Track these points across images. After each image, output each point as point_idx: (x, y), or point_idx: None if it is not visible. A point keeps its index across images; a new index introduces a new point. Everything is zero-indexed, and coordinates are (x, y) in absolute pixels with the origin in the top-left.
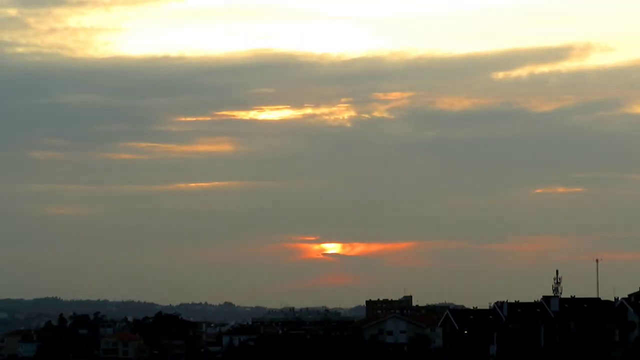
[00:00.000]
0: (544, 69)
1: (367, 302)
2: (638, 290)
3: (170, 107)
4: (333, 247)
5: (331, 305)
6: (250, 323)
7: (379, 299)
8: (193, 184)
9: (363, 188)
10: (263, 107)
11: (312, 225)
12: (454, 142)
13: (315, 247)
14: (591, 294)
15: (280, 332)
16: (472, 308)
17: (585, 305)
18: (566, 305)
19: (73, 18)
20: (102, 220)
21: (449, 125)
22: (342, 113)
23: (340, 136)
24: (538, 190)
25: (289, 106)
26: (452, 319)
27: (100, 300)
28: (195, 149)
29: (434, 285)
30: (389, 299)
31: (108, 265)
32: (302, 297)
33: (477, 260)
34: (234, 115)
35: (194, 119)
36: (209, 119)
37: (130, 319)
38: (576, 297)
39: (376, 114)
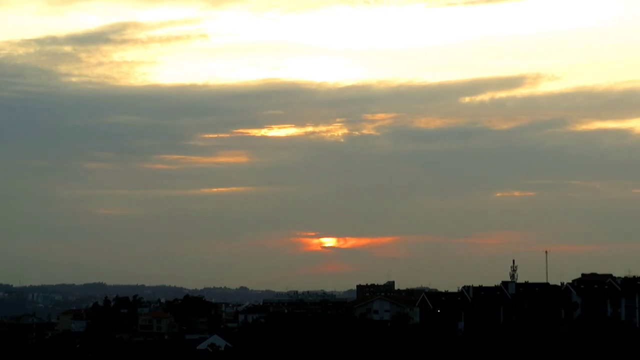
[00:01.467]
0: (502, 94)
1: (357, 286)
2: (580, 276)
3: (196, 126)
4: (330, 241)
5: (328, 289)
6: (261, 304)
7: (367, 284)
8: (215, 189)
9: (354, 192)
10: (272, 126)
11: (312, 222)
12: (429, 154)
13: (315, 241)
14: (541, 279)
15: (286, 311)
16: (443, 291)
17: (537, 289)
18: (521, 289)
19: (117, 54)
20: (141, 219)
21: (425, 140)
22: (337, 131)
23: (335, 149)
24: (498, 194)
25: (293, 125)
26: (427, 300)
27: (138, 284)
28: (216, 160)
29: (412, 272)
30: (376, 284)
31: (145, 256)
32: (304, 283)
33: (447, 252)
34: (248, 133)
35: (216, 135)
36: (228, 135)
37: (163, 300)
38: (529, 282)
39: (365, 131)
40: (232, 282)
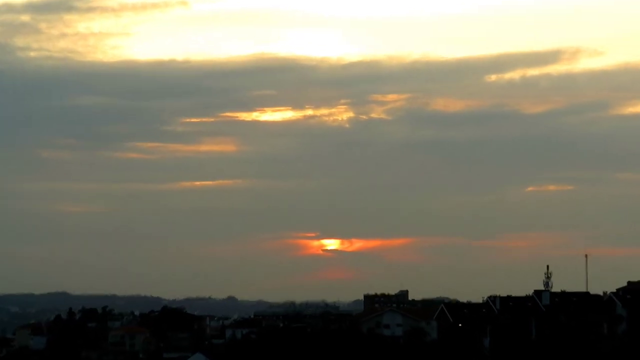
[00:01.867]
0: (535, 71)
1: (365, 296)
2: (626, 284)
3: (176, 109)
4: (332, 243)
5: (330, 299)
6: (252, 317)
7: (376, 294)
8: (198, 183)
9: (361, 186)
10: (265, 109)
11: (312, 221)
12: (449, 142)
13: (315, 243)
14: (580, 288)
15: (281, 325)
16: (466, 302)
17: (575, 299)
18: (556, 299)
19: (83, 24)
20: (111, 217)
21: (443, 126)
22: (341, 114)
23: (339, 136)
24: (530, 189)
25: (290, 108)
26: (446, 312)
27: (108, 294)
28: (200, 148)
29: (429, 280)
30: (386, 293)
31: (116, 261)
32: (302, 292)
33: (471, 256)
34: (237, 117)
35: (199, 119)
36: (213, 119)
37: (137, 312)
38: (566, 291)
39: (374, 115)
40: (218, 291)
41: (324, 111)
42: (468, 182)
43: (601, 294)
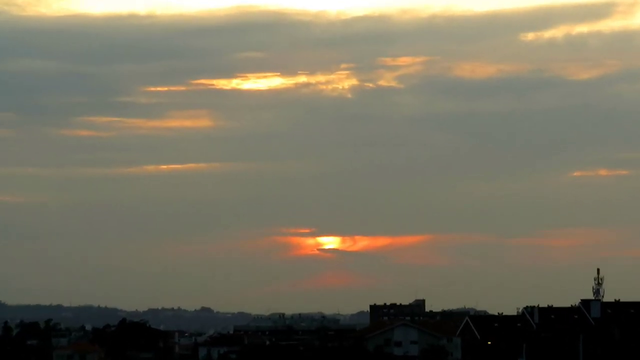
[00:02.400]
0: (582, 29)
1: (371, 307)
2: None
3: (137, 75)
4: (331, 241)
5: (328, 310)
6: (231, 332)
7: (385, 304)
8: (164, 166)
9: (367, 171)
10: (248, 75)
11: (306, 214)
12: (476, 117)
13: (310, 241)
14: (639, 297)
15: (267, 342)
16: (496, 314)
17: (632, 311)
18: (609, 311)
19: None
20: (55, 209)
21: (469, 97)
22: (342, 82)
23: (339, 109)
24: (576, 174)
25: (278, 74)
26: (472, 327)
27: (53, 304)
28: (167, 124)
29: (451, 287)
30: (398, 304)
31: (62, 264)
32: (293, 301)
33: (502, 258)
34: (213, 85)
35: (166, 88)
36: (183, 88)
37: (88, 327)
38: (620, 301)
39: (382, 82)
40: (189, 301)
41: (320, 78)
42: (499, 166)
43: None
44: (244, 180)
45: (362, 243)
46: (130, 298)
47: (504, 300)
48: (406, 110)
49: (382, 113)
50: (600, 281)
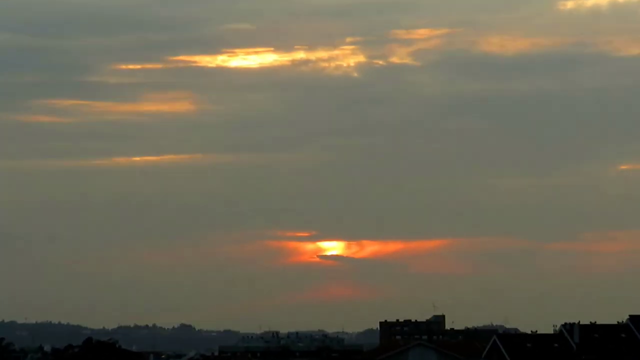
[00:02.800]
0: None
1: (381, 324)
2: None
3: (105, 50)
4: (334, 247)
5: (331, 328)
6: (216, 354)
7: (397, 320)
8: (137, 158)
9: (376, 164)
10: (236, 50)
11: (304, 215)
12: (505, 100)
13: (309, 246)
14: None
15: None
16: (529, 333)
17: None
18: None
19: None
20: (5, 208)
21: (498, 76)
22: (347, 58)
23: (344, 91)
24: (624, 167)
25: (272, 49)
26: (501, 347)
27: (5, 322)
28: (141, 108)
29: (475, 301)
30: (413, 320)
31: (14, 274)
32: (290, 318)
33: (537, 266)
34: (195, 62)
35: (140, 66)
36: (160, 66)
37: (47, 347)
38: None
39: (395, 59)
40: (166, 317)
41: (321, 54)
42: (533, 157)
43: None
44: (231, 174)
45: (370, 249)
46: (97, 313)
47: (538, 317)
48: (423, 92)
49: (394, 96)
50: None
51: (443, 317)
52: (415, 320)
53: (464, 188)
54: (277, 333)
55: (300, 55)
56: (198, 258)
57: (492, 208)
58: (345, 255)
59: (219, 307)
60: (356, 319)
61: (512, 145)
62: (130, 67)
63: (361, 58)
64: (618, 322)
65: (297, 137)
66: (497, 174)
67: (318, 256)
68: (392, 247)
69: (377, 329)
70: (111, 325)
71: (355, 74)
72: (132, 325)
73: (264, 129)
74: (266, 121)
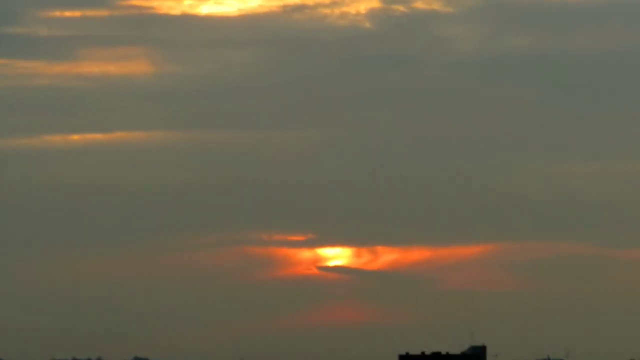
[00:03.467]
0: None
1: (401, 357)
2: None
3: None
4: (338, 255)
5: None
6: None
7: (423, 353)
8: (77, 136)
9: (394, 145)
10: None
11: (300, 214)
12: (565, 60)
13: (305, 253)
14: None
15: None
16: None
17: None
18: None
19: None
20: None
21: (556, 29)
22: (355, 4)
23: (352, 48)
24: None
25: None
26: None
27: None
28: (80, 70)
29: (527, 326)
30: (444, 352)
31: None
32: (279, 347)
33: (609, 279)
34: (153, 7)
35: (80, 13)
36: (106, 14)
37: None
38: None
39: (420, 4)
40: (115, 347)
41: None
42: (602, 137)
43: None
44: (201, 159)
45: (386, 257)
46: (23, 344)
47: (610, 346)
48: (457, 50)
49: (418, 54)
50: None
51: (484, 348)
52: (447, 353)
53: (509, 177)
54: None
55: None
56: (157, 270)
57: (547, 204)
58: (353, 266)
59: (185, 335)
60: (368, 350)
61: (574, 121)
62: (67, 14)
63: (375, 2)
64: None
65: (289, 109)
66: (554, 158)
67: (317, 267)
68: (415, 255)
69: None
70: (42, 357)
71: (367, 25)
72: (69, 359)
73: (246, 98)
74: (248, 88)
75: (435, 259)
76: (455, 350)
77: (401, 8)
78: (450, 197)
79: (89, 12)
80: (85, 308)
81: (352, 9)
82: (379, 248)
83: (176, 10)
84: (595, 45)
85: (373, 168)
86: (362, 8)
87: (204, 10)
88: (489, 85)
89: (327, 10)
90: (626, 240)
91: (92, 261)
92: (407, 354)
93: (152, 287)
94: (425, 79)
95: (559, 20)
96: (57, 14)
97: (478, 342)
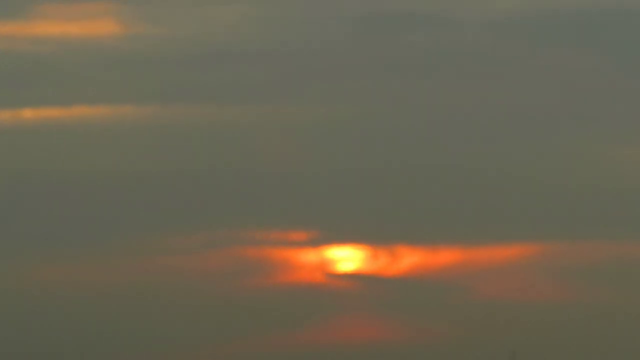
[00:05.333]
0: None
1: None
2: None
3: None
4: (349, 257)
5: None
6: None
7: None
8: (30, 111)
9: (418, 122)
10: None
11: (302, 206)
12: (636, 18)
13: (310, 255)
14: None
15: None
16: None
17: None
18: None
19: None
20: None
21: None
22: None
23: (369, 5)
24: None
25: None
26: None
27: None
28: (33, 31)
29: (577, 343)
30: None
31: None
32: None
33: None
34: None
35: None
36: None
37: None
38: None
39: None
40: None
41: None
42: None
43: None
44: (182, 138)
45: (409, 260)
46: None
47: None
48: (498, 8)
49: (452, 13)
50: None
51: None
52: None
53: (560, 162)
54: None
55: None
56: (127, 275)
57: (605, 195)
58: (367, 271)
59: (164, 355)
60: None
61: None
62: None
63: None
64: None
65: (289, 79)
66: (618, 139)
67: (325, 272)
68: (444, 257)
69: None
70: None
71: None
72: None
73: (236, 66)
74: (239, 54)
75: (467, 262)
76: None
77: None
78: (487, 187)
79: None
80: (44, 316)
81: None
82: (400, 248)
83: None
84: None
85: (393, 151)
86: None
87: None
88: (537, 48)
89: None
90: None
91: (45, 267)
92: None
93: (118, 300)
94: (461, 43)
95: None
96: None
97: None
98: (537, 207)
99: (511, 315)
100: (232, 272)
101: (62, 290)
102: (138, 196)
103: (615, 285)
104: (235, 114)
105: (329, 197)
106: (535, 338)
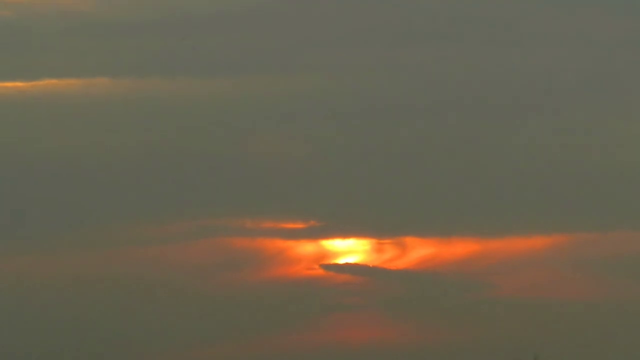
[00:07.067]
0: None
1: None
2: None
3: None
4: (351, 249)
5: None
6: None
7: None
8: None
9: (432, 98)
10: None
11: (298, 193)
12: None
13: (307, 246)
14: None
15: None
16: None
17: None
18: None
19: None
20: None
21: None
22: None
23: None
24: None
25: None
26: None
27: None
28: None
29: (606, 344)
30: None
31: None
32: None
33: None
34: None
35: None
36: None
37: None
38: None
39: None
40: None
41: None
42: None
43: None
44: (163, 115)
45: (418, 252)
46: None
47: None
48: None
49: None
50: None
51: None
52: None
53: (591, 142)
54: None
55: None
56: (100, 271)
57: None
58: (372, 264)
59: (140, 356)
60: None
61: None
62: None
63: None
64: None
65: (281, 46)
66: None
67: (322, 266)
68: (459, 249)
69: None
70: None
71: None
72: None
73: (222, 33)
74: (225, 19)
75: (486, 254)
76: None
77: None
78: (508, 171)
79: None
80: (27, 312)
81: None
82: (408, 239)
83: None
84: None
85: (401, 129)
86: None
87: None
88: (575, 13)
89: None
90: None
91: (5, 259)
92: None
93: (92, 294)
94: (481, 2)
95: None
96: None
97: None
98: (561, 196)
99: (534, 313)
100: (219, 264)
101: (17, 285)
102: (113, 179)
103: (621, 275)
104: (224, 87)
105: (328, 184)
106: (560, 337)
